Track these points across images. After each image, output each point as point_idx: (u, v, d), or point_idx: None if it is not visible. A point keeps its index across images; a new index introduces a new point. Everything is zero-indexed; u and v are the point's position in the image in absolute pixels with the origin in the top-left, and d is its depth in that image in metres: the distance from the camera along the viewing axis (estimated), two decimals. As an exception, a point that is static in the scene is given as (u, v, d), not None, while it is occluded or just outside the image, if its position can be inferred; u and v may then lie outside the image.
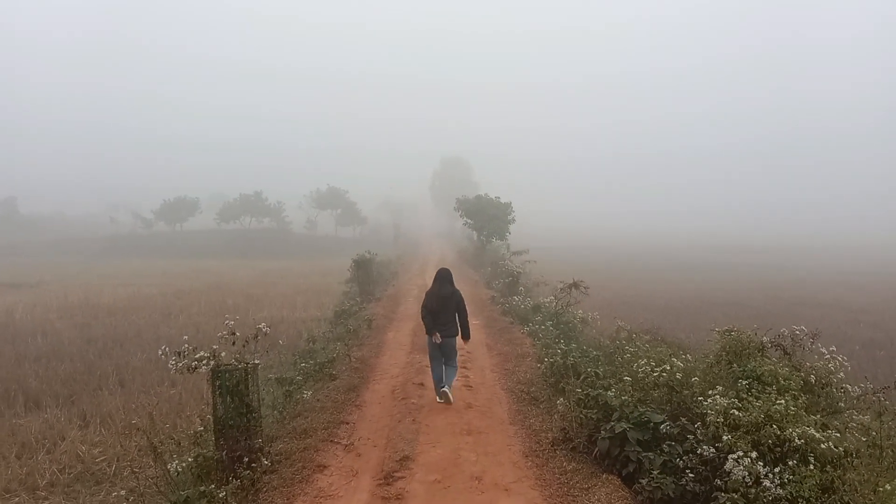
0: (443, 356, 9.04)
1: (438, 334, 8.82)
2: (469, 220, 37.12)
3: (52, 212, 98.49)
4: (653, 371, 7.02)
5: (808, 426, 5.14)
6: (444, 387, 8.91)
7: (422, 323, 9.19)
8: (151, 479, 6.75)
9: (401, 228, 73.71)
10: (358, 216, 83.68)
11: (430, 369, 9.33)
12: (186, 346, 6.41)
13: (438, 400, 8.95)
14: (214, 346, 6.50)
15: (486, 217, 35.85)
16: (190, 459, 6.27)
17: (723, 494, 4.76)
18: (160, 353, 6.49)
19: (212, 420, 6.55)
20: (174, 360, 6.33)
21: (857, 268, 46.29)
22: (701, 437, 5.62)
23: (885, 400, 6.02)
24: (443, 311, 8.95)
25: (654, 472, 5.50)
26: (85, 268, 48.03)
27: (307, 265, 47.79)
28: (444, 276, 9.21)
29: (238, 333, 6.82)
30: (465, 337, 9.13)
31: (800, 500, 4.62)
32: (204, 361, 6.32)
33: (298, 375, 10.05)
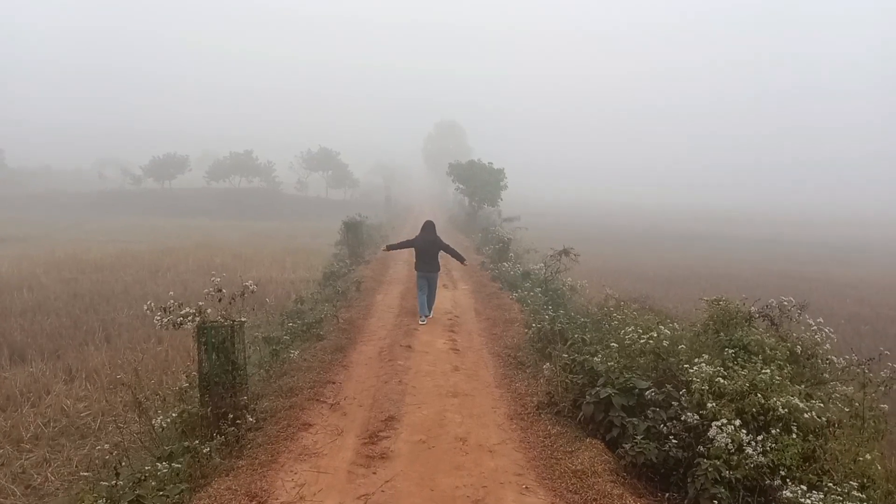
0: (427, 287, 11.77)
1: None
2: (461, 186, 36.95)
3: (40, 166, 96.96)
4: (640, 338, 7.03)
5: (792, 396, 5.17)
6: (426, 313, 11.72)
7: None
8: (136, 434, 6.76)
9: (392, 192, 73.26)
10: (349, 178, 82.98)
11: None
12: (172, 301, 6.35)
13: (420, 322, 11.53)
14: (200, 303, 6.45)
15: (479, 183, 35.69)
16: (175, 415, 6.25)
17: (705, 461, 4.79)
18: (145, 308, 6.43)
19: (197, 377, 6.53)
20: (159, 315, 6.28)
21: (847, 242, 46.59)
22: (685, 405, 5.64)
23: (869, 372, 6.05)
24: (428, 253, 11.71)
25: (638, 438, 5.53)
26: (73, 223, 47.63)
27: (297, 226, 47.58)
28: (428, 227, 11.98)
29: (224, 291, 6.76)
30: (462, 259, 12.14)
31: (781, 467, 4.66)
32: (189, 318, 6.27)
33: (286, 335, 10.03)
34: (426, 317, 11.72)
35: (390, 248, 12.62)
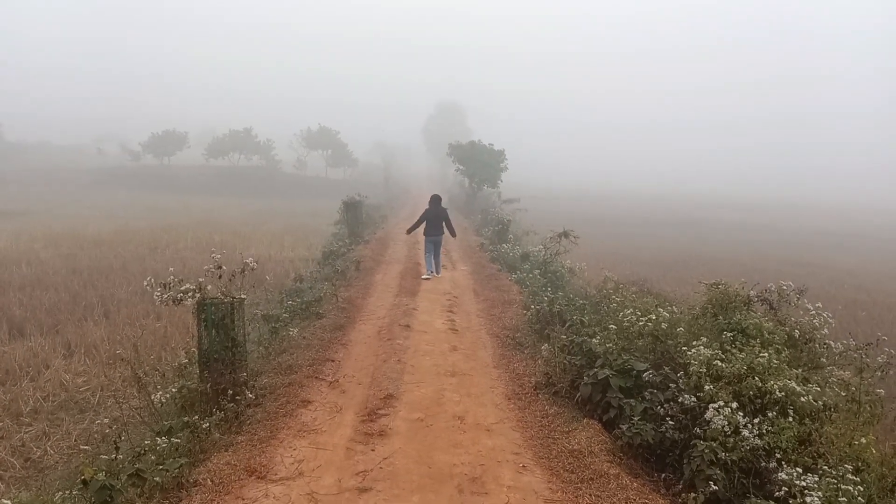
0: (433, 250, 14.33)
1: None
2: (461, 167, 36.81)
3: (39, 141, 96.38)
4: (638, 320, 7.03)
5: (789, 379, 5.19)
6: (431, 270, 14.29)
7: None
8: (135, 409, 6.79)
9: (392, 172, 72.94)
10: (349, 158, 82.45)
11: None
12: (172, 277, 6.35)
13: (424, 277, 14.18)
14: (200, 279, 6.45)
15: (479, 164, 35.53)
16: (174, 391, 6.29)
17: (701, 442, 4.82)
18: (145, 283, 6.45)
19: (196, 353, 6.55)
20: (159, 291, 6.29)
21: (846, 229, 46.62)
22: (683, 387, 5.67)
23: (866, 357, 6.07)
24: (435, 220, 14.15)
25: (635, 419, 5.57)
26: (71, 198, 47.48)
27: (296, 205, 47.47)
28: (435, 199, 14.60)
29: (224, 267, 6.76)
30: (452, 234, 14.77)
31: (777, 450, 4.69)
32: (189, 294, 6.28)
33: (285, 313, 10.05)
34: (431, 273, 14.29)
35: (410, 231, 15.04)
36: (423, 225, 14.25)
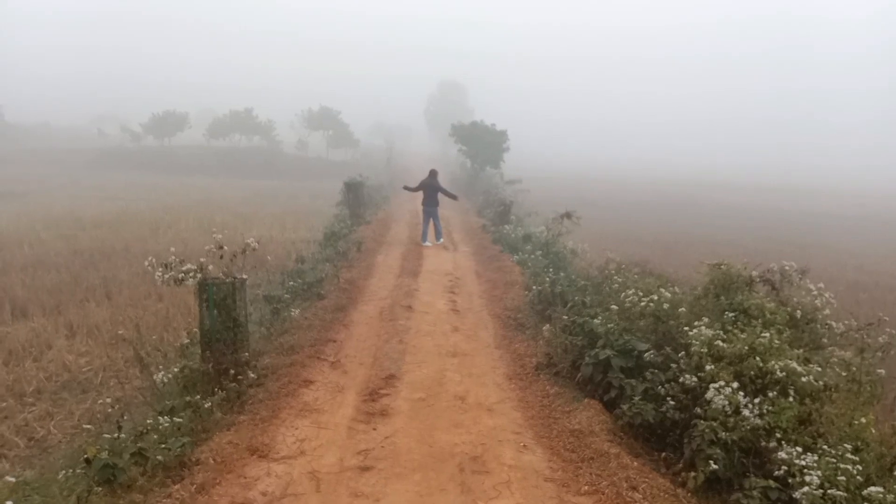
0: (430, 219, 16.35)
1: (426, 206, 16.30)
2: (463, 147, 36.66)
3: (38, 122, 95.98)
4: (640, 301, 7.03)
5: (790, 360, 5.18)
6: (427, 241, 16.18)
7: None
8: (138, 389, 6.83)
9: (393, 153, 72.57)
10: (350, 138, 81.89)
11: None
12: (174, 258, 6.35)
13: (423, 244, 16.08)
14: (202, 260, 6.44)
15: (481, 144, 35.39)
16: (176, 371, 6.30)
17: (702, 422, 4.84)
18: (147, 264, 6.44)
19: (198, 333, 6.57)
20: (161, 271, 6.29)
21: (848, 211, 46.45)
22: (684, 367, 5.67)
23: (868, 337, 6.07)
24: (430, 191, 16.22)
25: (636, 399, 5.58)
26: (71, 180, 47.33)
27: (297, 186, 47.27)
28: (432, 173, 16.75)
29: (226, 248, 6.74)
30: (454, 197, 17.96)
31: (777, 430, 4.70)
32: (191, 274, 6.28)
33: (286, 294, 10.05)
34: (430, 243, 16.17)
35: (406, 188, 17.88)
36: (422, 195, 16.30)
